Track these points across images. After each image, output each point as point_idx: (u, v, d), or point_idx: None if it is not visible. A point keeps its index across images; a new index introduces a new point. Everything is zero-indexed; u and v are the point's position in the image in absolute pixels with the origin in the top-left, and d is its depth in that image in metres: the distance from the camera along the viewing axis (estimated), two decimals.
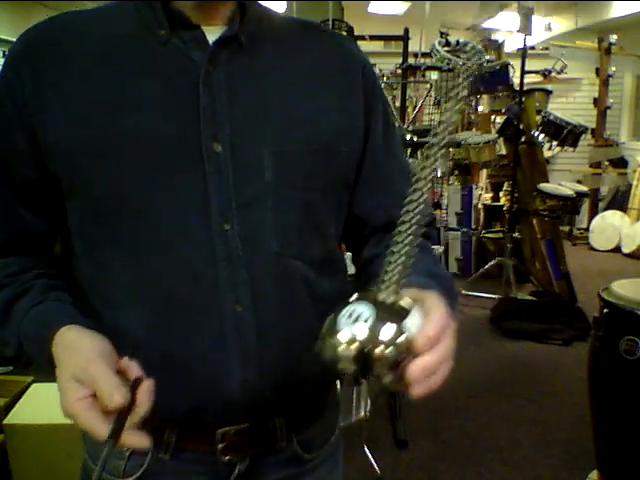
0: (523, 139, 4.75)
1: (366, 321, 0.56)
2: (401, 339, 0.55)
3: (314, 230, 0.79)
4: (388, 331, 0.55)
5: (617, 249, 6.70)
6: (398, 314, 0.57)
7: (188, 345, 0.74)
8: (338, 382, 0.74)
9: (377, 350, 0.55)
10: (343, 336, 0.55)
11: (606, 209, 7.14)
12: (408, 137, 4.44)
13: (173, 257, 0.72)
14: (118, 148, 0.71)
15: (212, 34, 0.74)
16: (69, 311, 0.74)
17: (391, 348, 0.55)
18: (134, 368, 0.64)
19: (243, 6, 0.75)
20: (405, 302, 0.58)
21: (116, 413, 0.61)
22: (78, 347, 0.66)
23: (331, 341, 0.56)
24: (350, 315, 0.56)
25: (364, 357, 0.55)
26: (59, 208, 0.77)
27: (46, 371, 0.70)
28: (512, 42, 6.54)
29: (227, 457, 0.78)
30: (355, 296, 0.59)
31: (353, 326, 0.56)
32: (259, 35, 0.77)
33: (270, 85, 0.76)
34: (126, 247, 0.73)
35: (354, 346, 0.55)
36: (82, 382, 0.62)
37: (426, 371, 0.56)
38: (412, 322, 0.57)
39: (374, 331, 0.55)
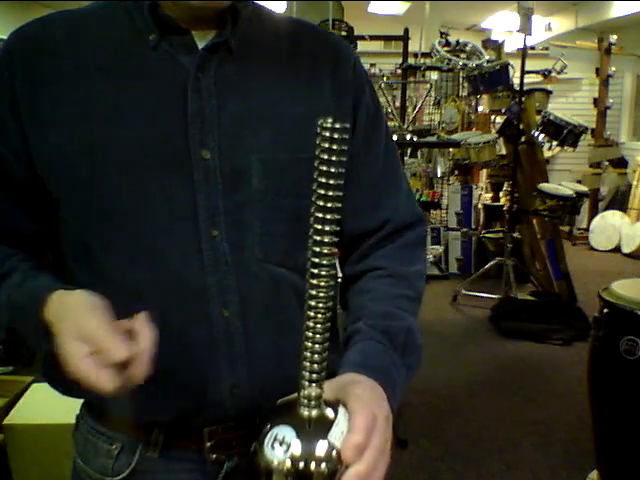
0: (523, 139, 4.75)
1: (296, 438, 0.56)
2: (331, 451, 0.55)
3: (302, 237, 0.78)
4: (318, 448, 0.55)
5: (617, 249, 6.70)
6: (323, 426, 0.57)
7: (177, 351, 0.74)
8: None
9: (312, 466, 0.55)
10: (280, 453, 0.56)
11: (606, 209, 7.14)
12: (408, 137, 4.43)
13: (162, 263, 0.72)
14: (108, 155, 0.71)
15: (203, 38, 0.73)
16: (59, 282, 0.72)
17: (323, 463, 0.55)
18: (139, 322, 0.63)
19: (235, 9, 0.74)
20: (328, 412, 0.58)
21: (120, 366, 0.60)
22: (72, 306, 0.64)
23: (266, 454, 0.56)
24: (275, 438, 0.56)
25: (298, 474, 0.55)
26: (49, 212, 0.76)
27: (40, 345, 0.68)
28: (512, 42, 6.54)
29: (214, 455, 0.78)
30: (278, 415, 0.59)
31: (286, 445, 0.56)
32: (250, 39, 0.76)
33: (260, 91, 0.75)
34: (115, 253, 0.73)
35: (288, 464, 0.55)
36: (84, 340, 0.61)
37: (360, 479, 0.56)
38: (338, 431, 0.57)
39: (305, 449, 0.55)
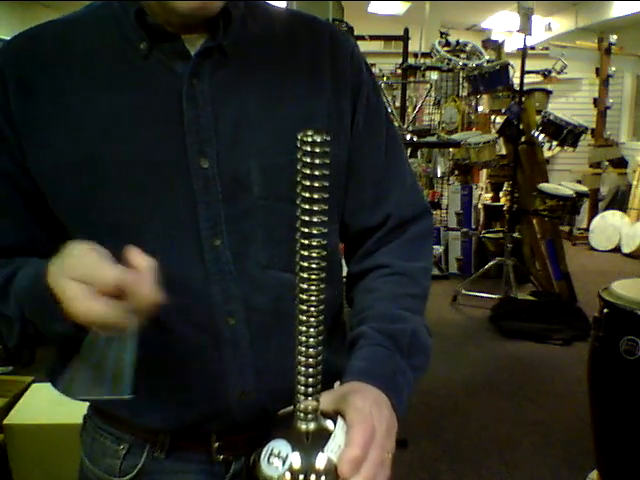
0: (523, 139, 4.75)
1: (292, 452, 0.55)
2: (328, 465, 0.55)
3: None
4: (315, 462, 0.55)
5: (617, 249, 6.69)
6: (320, 440, 0.56)
7: (184, 361, 0.73)
8: (337, 384, 0.73)
9: (312, 478, 0.55)
10: (277, 467, 0.55)
11: (606, 209, 7.14)
12: (408, 137, 4.43)
13: (164, 274, 0.71)
14: (105, 168, 0.70)
15: (195, 43, 0.72)
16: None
17: (320, 477, 0.55)
18: (130, 253, 0.59)
19: (227, 11, 0.71)
20: (326, 424, 0.57)
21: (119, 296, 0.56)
22: (65, 255, 0.60)
23: (263, 469, 0.56)
24: (272, 452, 0.56)
25: None
26: (59, 227, 0.75)
27: (52, 326, 0.65)
28: (512, 42, 6.54)
29: (222, 456, 0.78)
30: (275, 428, 0.59)
31: (282, 460, 0.55)
32: (244, 40, 0.74)
33: (257, 94, 0.73)
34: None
35: (287, 477, 0.55)
36: (77, 278, 0.57)
37: None
38: (335, 445, 0.56)
39: (302, 464, 0.55)
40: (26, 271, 0.70)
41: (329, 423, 0.58)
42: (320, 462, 0.55)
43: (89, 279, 0.57)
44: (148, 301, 0.57)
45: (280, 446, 0.56)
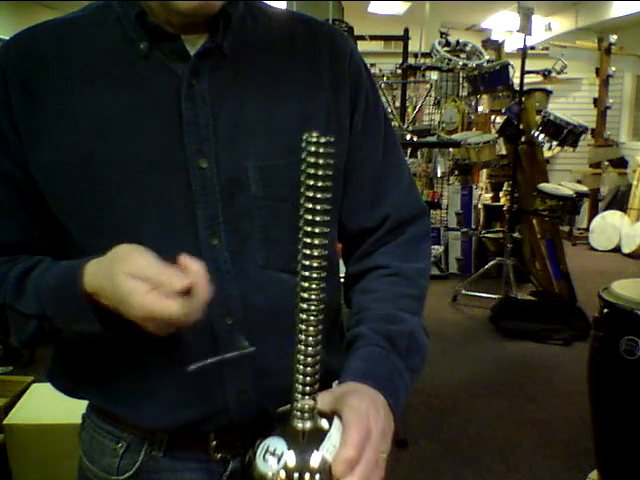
0: (523, 139, 4.75)
1: (288, 450, 0.56)
2: (322, 464, 0.55)
3: None
4: (309, 461, 0.55)
5: (617, 249, 6.70)
6: (316, 439, 0.56)
7: (182, 360, 0.73)
8: (335, 384, 0.73)
9: (306, 476, 0.55)
10: (272, 464, 0.55)
11: (606, 209, 7.15)
12: (408, 137, 4.43)
13: None
14: (105, 169, 0.70)
15: (195, 43, 0.72)
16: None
17: (315, 476, 0.55)
18: (183, 257, 0.62)
19: (226, 12, 0.71)
20: (323, 423, 0.58)
21: (183, 296, 0.60)
22: (114, 259, 0.62)
23: (258, 466, 0.56)
24: (267, 450, 0.56)
25: None
26: (59, 227, 0.75)
27: (81, 324, 0.66)
28: (512, 42, 6.54)
29: (219, 455, 0.79)
30: (271, 426, 0.59)
31: (277, 457, 0.56)
32: (243, 41, 0.74)
33: (255, 95, 0.74)
34: None
35: (281, 475, 0.55)
36: (140, 278, 0.60)
37: None
38: (330, 445, 0.56)
39: (297, 462, 0.55)
40: (49, 270, 0.70)
41: (325, 422, 0.58)
42: (315, 461, 0.55)
43: (156, 283, 0.59)
44: (205, 301, 0.61)
45: (276, 444, 0.56)
